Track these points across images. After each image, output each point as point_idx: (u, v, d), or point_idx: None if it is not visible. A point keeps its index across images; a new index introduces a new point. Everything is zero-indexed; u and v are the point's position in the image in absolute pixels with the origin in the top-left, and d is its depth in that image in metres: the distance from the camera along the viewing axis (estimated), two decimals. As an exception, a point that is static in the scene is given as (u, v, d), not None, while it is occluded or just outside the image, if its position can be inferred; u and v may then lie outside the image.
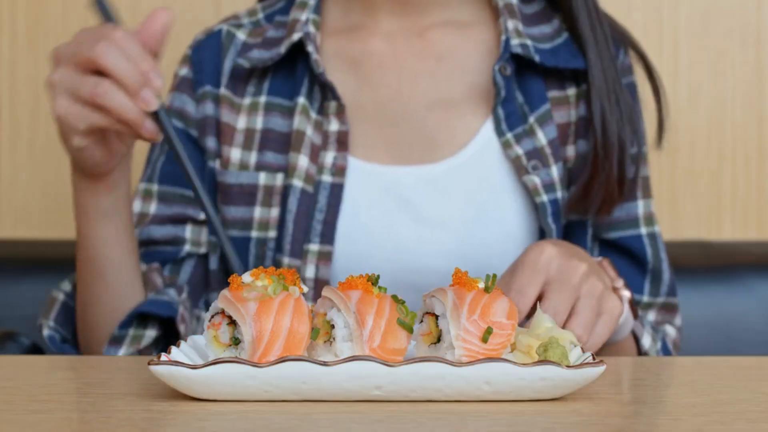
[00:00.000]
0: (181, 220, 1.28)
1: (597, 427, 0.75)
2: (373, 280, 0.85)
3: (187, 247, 1.27)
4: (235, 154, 1.26)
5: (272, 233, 1.23)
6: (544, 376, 0.79)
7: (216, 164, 1.27)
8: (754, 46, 1.72)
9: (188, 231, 1.28)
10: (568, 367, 0.79)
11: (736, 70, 1.72)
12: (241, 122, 1.27)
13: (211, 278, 1.28)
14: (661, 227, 1.31)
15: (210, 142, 1.28)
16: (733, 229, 1.73)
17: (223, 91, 1.28)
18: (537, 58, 1.25)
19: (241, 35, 1.30)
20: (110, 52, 1.00)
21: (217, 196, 1.27)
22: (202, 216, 1.27)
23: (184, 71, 1.31)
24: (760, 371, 0.99)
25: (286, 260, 1.22)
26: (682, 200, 1.73)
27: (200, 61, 1.30)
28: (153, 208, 1.28)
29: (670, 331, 1.27)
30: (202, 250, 1.28)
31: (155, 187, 1.28)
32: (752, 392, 0.87)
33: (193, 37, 1.34)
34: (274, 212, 1.24)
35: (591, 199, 1.23)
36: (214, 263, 1.27)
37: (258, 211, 1.24)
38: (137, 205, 1.28)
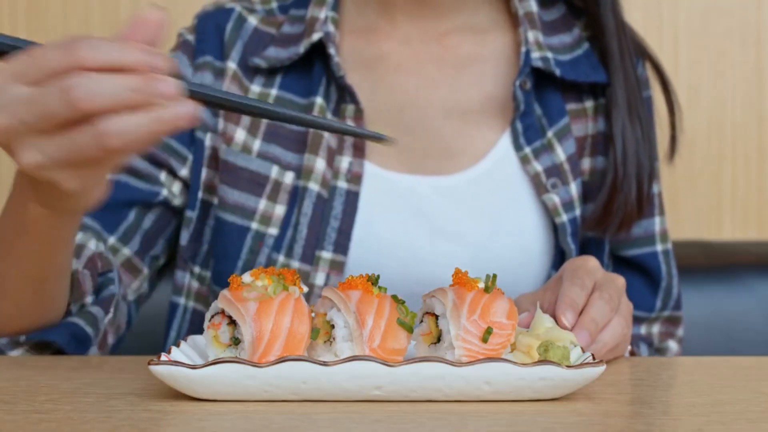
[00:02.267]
0: (158, 163, 1.24)
1: (597, 427, 0.75)
2: (373, 280, 0.85)
3: (164, 192, 1.24)
4: (239, 134, 1.24)
5: (272, 230, 1.21)
6: (544, 376, 0.79)
7: (206, 138, 1.25)
8: (754, 46, 1.72)
9: (163, 176, 1.24)
10: (568, 367, 0.79)
11: (736, 70, 1.72)
12: None
13: (179, 255, 1.26)
14: (661, 227, 1.31)
15: (201, 113, 1.25)
16: (733, 229, 1.73)
17: (232, 66, 1.26)
18: (557, 71, 1.23)
19: (253, 20, 1.29)
20: (91, 83, 0.73)
21: (204, 171, 1.25)
22: (181, 172, 1.25)
23: (187, 36, 1.29)
24: (760, 371, 0.99)
25: (296, 265, 1.19)
26: (682, 200, 1.73)
27: (204, 32, 1.28)
28: None
29: (672, 347, 1.27)
30: (176, 201, 1.25)
31: None
32: (752, 392, 0.87)
33: (201, 7, 1.32)
34: (279, 210, 1.21)
35: (611, 220, 1.22)
36: (184, 239, 1.25)
37: (263, 204, 1.22)
38: None
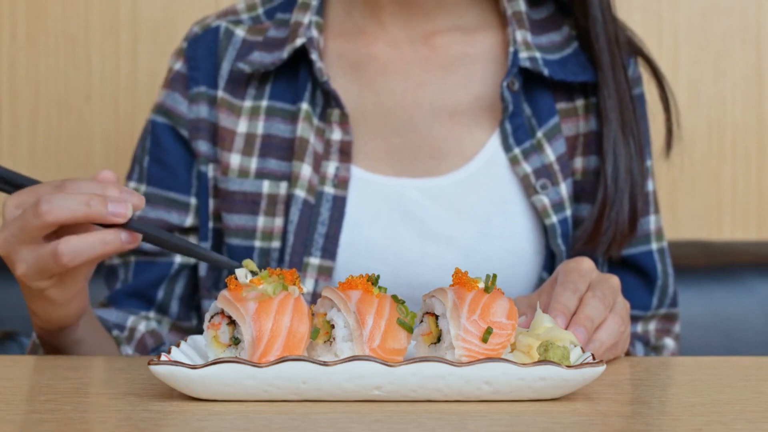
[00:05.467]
0: (166, 230, 1.23)
1: (597, 427, 0.75)
2: (373, 280, 0.85)
3: (177, 259, 1.25)
4: (234, 159, 1.23)
5: (276, 243, 1.21)
6: (544, 376, 0.79)
7: (209, 169, 1.25)
8: (754, 46, 1.72)
9: None
10: (568, 367, 0.79)
11: (736, 70, 1.72)
12: (242, 126, 1.24)
13: (201, 285, 1.26)
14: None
15: (202, 146, 1.25)
16: (733, 229, 1.73)
17: (221, 94, 1.25)
18: (546, 71, 1.22)
19: (240, 32, 1.27)
20: (53, 201, 0.91)
21: (212, 201, 1.25)
22: (187, 222, 1.26)
23: (179, 65, 1.28)
24: (760, 371, 0.99)
25: None
26: (682, 200, 1.73)
27: (195, 58, 1.27)
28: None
29: (669, 344, 1.27)
30: (192, 259, 1.26)
31: (143, 188, 1.26)
32: (752, 392, 0.87)
33: (189, 28, 1.30)
34: (278, 222, 1.22)
35: (601, 238, 1.20)
36: (203, 270, 1.25)
37: (261, 221, 1.22)
38: None
